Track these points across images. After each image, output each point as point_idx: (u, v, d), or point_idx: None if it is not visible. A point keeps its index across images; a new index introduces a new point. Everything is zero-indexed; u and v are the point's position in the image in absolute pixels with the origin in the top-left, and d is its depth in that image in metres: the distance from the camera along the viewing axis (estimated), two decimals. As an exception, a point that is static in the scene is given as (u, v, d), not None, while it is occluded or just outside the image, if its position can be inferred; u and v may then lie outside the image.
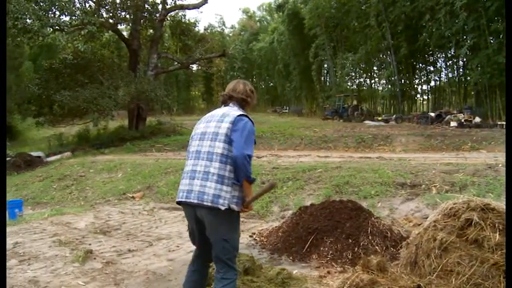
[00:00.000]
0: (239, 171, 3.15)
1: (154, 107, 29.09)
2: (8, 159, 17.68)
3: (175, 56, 27.56)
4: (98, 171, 12.97)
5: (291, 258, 5.54)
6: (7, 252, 5.95)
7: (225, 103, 3.53)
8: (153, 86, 21.71)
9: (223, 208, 3.15)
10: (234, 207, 3.21)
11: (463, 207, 4.30)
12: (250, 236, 6.65)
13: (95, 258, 5.69)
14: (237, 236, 3.36)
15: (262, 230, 6.91)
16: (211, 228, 3.28)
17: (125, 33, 26.62)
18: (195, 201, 3.22)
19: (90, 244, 6.38)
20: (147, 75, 22.77)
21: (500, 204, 4.33)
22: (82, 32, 21.45)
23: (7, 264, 5.48)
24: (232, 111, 3.38)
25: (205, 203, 3.18)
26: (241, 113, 3.36)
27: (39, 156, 18.90)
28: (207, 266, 3.62)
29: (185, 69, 28.69)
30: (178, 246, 6.22)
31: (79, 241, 6.57)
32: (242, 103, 3.48)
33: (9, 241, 6.57)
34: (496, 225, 3.99)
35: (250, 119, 3.33)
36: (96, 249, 6.07)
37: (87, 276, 5.04)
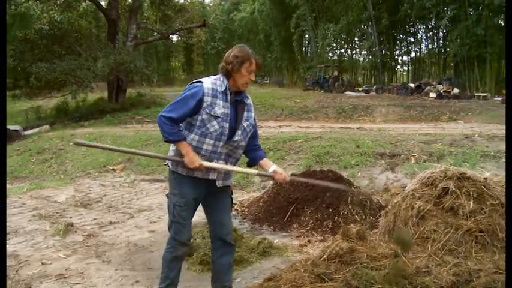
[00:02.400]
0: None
1: (134, 78, 28.60)
2: (-17, 132, 17.34)
3: (155, 26, 27.02)
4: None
5: (271, 227, 5.61)
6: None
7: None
8: (133, 57, 21.32)
9: (164, 163, 3.42)
10: (169, 165, 3.35)
11: (440, 176, 4.39)
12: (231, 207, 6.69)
13: (75, 231, 5.68)
14: (173, 200, 3.31)
15: (243, 200, 6.96)
16: None
17: (102, 3, 25.86)
18: None
19: (70, 217, 6.35)
20: (126, 46, 22.32)
21: (476, 173, 4.44)
22: (58, 1, 20.85)
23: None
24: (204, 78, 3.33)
25: None
26: (200, 80, 3.26)
27: (16, 130, 18.51)
28: (220, 240, 3.49)
29: (165, 39, 28.18)
30: (159, 218, 6.23)
31: (59, 214, 6.53)
32: (224, 72, 3.24)
33: (-12, 215, 6.51)
34: (471, 193, 4.10)
35: (203, 86, 3.18)
36: (77, 222, 6.05)
37: (68, 249, 5.03)
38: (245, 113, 3.35)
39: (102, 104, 22.73)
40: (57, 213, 6.60)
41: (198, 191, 3.31)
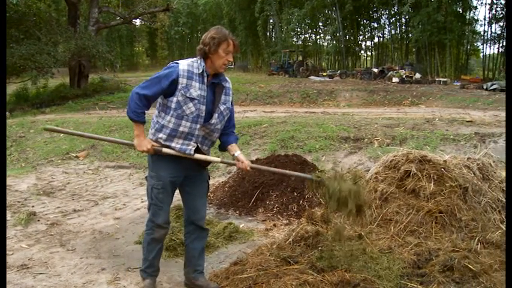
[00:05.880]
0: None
1: (97, 63, 28.01)
2: None
3: (117, 10, 26.42)
4: (38, 131, 12.50)
5: (237, 212, 5.64)
6: None
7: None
8: (95, 41, 20.81)
9: None
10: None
11: (403, 159, 4.50)
12: (198, 192, 6.69)
13: (38, 220, 5.57)
14: (150, 182, 3.35)
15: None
16: None
17: (61, -15, 25.20)
18: None
19: (33, 206, 6.22)
20: (88, 30, 21.77)
21: (436, 156, 4.56)
22: (12, -19, 20.10)
23: None
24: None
25: None
26: (178, 61, 3.25)
27: (-27, 117, 17.94)
28: (193, 225, 3.56)
29: (128, 24, 27.64)
30: (124, 205, 6.18)
31: (21, 204, 6.38)
32: (202, 54, 3.23)
33: None
34: (432, 175, 4.22)
35: (178, 68, 3.17)
36: (40, 211, 5.93)
37: (31, 238, 4.93)
38: (223, 96, 3.35)
39: (64, 90, 22.15)
40: (18, 202, 6.45)
41: (175, 174, 3.32)
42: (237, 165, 3.45)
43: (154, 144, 3.24)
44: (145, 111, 3.18)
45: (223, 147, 3.55)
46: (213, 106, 3.29)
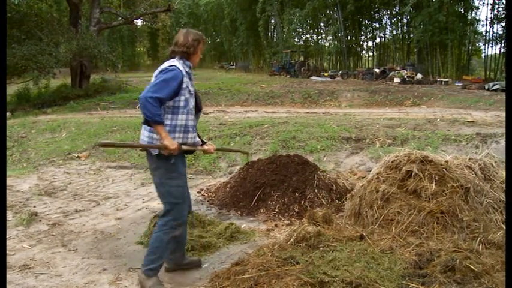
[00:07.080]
0: (142, 112, 3.29)
1: (98, 64, 27.98)
2: None
3: (119, 10, 26.43)
4: (40, 132, 12.52)
5: (239, 212, 5.64)
6: None
7: (171, 58, 3.57)
8: (96, 42, 20.81)
9: (154, 153, 3.44)
10: (161, 151, 3.40)
11: (404, 159, 4.50)
12: (198, 192, 6.68)
13: (40, 221, 5.57)
14: (173, 183, 3.49)
15: (210, 185, 6.96)
16: (151, 172, 3.67)
17: (63, -14, 25.19)
18: None
19: (34, 206, 6.22)
20: (89, 30, 21.78)
21: (437, 157, 4.55)
22: (13, -18, 20.10)
23: None
24: (167, 63, 3.48)
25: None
26: (172, 64, 3.43)
27: (-25, 117, 17.92)
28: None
29: (129, 24, 27.63)
30: (126, 205, 6.18)
31: (23, 204, 6.38)
32: (184, 55, 3.52)
33: None
34: (433, 176, 4.21)
35: (179, 69, 3.41)
36: (41, 211, 5.93)
37: (32, 239, 4.93)
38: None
39: (65, 91, 22.15)
40: (20, 202, 6.45)
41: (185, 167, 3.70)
42: (209, 150, 3.81)
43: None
44: None
45: None
46: (197, 97, 3.69)
